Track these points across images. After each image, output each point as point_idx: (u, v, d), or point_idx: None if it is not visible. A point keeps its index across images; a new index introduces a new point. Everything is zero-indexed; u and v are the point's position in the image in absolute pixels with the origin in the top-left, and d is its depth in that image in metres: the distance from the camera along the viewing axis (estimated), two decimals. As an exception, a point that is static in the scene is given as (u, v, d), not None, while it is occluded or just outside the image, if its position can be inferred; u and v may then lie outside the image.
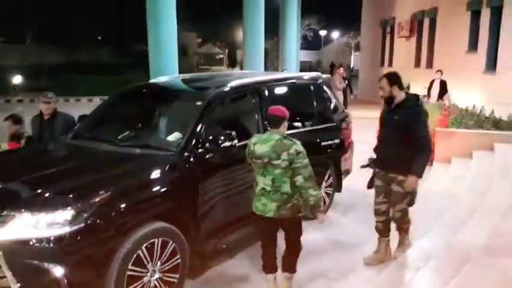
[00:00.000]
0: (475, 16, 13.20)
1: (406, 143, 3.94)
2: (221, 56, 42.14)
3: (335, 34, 50.63)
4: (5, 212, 3.07)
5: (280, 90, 5.08)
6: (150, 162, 3.71)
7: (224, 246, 4.14)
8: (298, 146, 3.54)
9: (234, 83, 4.49)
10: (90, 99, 19.35)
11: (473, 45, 13.29)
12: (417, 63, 17.36)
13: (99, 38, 35.48)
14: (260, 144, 3.61)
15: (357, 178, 5.66)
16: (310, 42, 50.35)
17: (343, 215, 5.91)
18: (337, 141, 5.59)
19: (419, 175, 3.99)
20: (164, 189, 3.57)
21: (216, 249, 4.05)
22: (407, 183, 3.98)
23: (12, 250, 3.01)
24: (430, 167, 7.76)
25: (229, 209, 4.16)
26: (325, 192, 5.67)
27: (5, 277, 2.99)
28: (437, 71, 12.29)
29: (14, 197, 3.25)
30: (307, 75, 5.99)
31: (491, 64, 12.09)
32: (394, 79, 4.06)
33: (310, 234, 5.12)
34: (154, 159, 3.75)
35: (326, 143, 5.42)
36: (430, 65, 15.98)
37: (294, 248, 3.79)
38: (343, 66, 13.51)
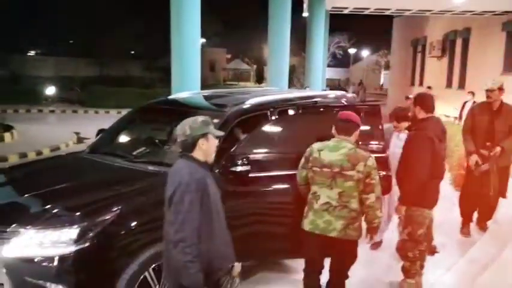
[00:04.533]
0: (511, 36, 12.79)
1: (404, 165, 3.85)
2: (249, 71, 42.38)
3: (365, 52, 50.25)
4: (12, 227, 3.00)
5: (307, 109, 4.86)
6: (162, 180, 3.60)
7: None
8: (374, 159, 3.23)
9: (252, 101, 4.36)
10: (119, 111, 19.69)
11: (509, 67, 12.85)
12: (449, 84, 16.95)
13: (132, 52, 36.23)
14: (328, 151, 3.25)
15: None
16: (339, 60, 50.15)
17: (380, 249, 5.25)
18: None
19: (402, 202, 3.82)
20: (175, 208, 3.45)
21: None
22: (398, 209, 3.90)
23: (16, 267, 2.94)
24: None
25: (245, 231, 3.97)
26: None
27: (8, 295, 2.92)
28: (469, 92, 11.87)
29: (22, 212, 3.18)
30: (332, 93, 5.81)
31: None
32: (417, 100, 3.95)
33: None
34: (166, 176, 3.63)
35: None
36: (462, 85, 15.56)
37: (344, 277, 3.42)
38: (362, 85, 13.02)
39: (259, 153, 3.90)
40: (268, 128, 4.24)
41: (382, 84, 47.17)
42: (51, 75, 27.35)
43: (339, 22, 29.76)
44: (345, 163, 3.19)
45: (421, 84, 19.55)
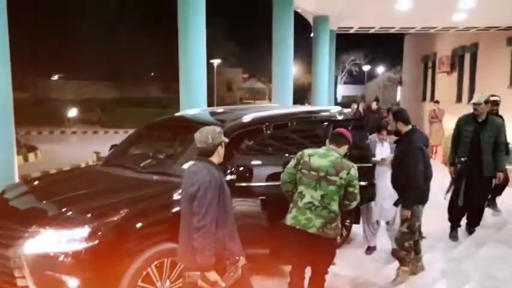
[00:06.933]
0: (515, 51, 13.01)
1: (402, 174, 4.32)
2: (264, 90, 43.08)
3: (380, 69, 50.45)
4: (33, 228, 3.46)
5: (300, 123, 5.28)
6: (165, 188, 4.04)
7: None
8: (356, 170, 3.62)
9: (249, 116, 4.78)
10: (137, 131, 20.34)
11: (515, 81, 13.05)
12: (459, 98, 17.12)
13: (152, 74, 37.25)
14: (318, 157, 3.66)
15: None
16: (355, 77, 50.55)
17: (361, 248, 5.73)
18: (364, 183, 4.85)
19: (407, 207, 4.28)
20: (175, 212, 3.83)
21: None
22: (402, 212, 4.32)
23: (36, 262, 3.37)
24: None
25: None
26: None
27: (28, 287, 3.36)
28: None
29: (42, 215, 3.64)
30: (328, 109, 6.21)
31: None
32: (397, 115, 4.46)
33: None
34: (169, 185, 4.06)
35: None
36: (471, 100, 15.71)
37: (323, 273, 3.73)
38: (377, 101, 13.39)
39: (250, 165, 4.27)
40: (261, 140, 4.67)
41: (398, 101, 47.09)
42: (73, 97, 28.45)
43: (353, 40, 30.28)
44: (330, 169, 3.59)
45: (432, 99, 19.71)
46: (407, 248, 4.38)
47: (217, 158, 3.21)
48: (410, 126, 4.42)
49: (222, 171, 3.26)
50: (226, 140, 3.31)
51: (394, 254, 5.20)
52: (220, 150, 3.22)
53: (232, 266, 3.11)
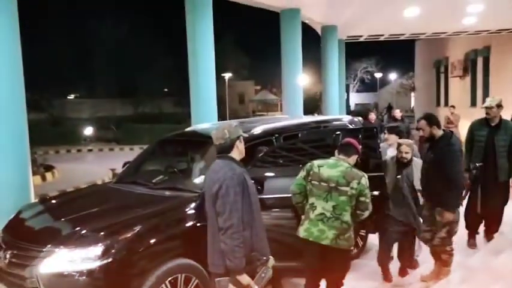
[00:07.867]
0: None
1: (442, 177, 4.24)
2: (276, 101, 43.12)
3: (392, 76, 50.17)
4: (47, 247, 3.51)
5: (310, 134, 5.30)
6: (176, 203, 4.06)
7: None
8: (367, 179, 3.59)
9: (259, 129, 4.80)
10: (152, 147, 20.40)
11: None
12: (473, 103, 16.93)
13: (165, 90, 37.69)
14: (327, 167, 3.63)
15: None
16: (367, 85, 50.40)
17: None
18: (377, 193, 4.68)
19: (452, 209, 4.25)
20: (187, 227, 3.87)
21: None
22: (444, 215, 4.26)
23: (51, 282, 3.40)
24: None
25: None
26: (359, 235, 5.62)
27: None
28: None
29: (56, 234, 3.69)
30: (339, 118, 6.20)
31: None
32: (432, 120, 4.43)
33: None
34: (180, 200, 4.09)
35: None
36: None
37: (338, 285, 3.68)
38: (391, 108, 13.18)
39: (261, 177, 4.24)
40: (272, 151, 4.67)
41: (413, 107, 46.75)
42: (89, 116, 28.91)
43: (364, 48, 30.28)
44: (340, 179, 3.57)
45: (446, 104, 19.52)
46: (450, 251, 4.43)
47: (237, 153, 3.12)
48: (441, 131, 4.45)
49: (243, 167, 3.13)
50: (245, 134, 3.26)
51: (412, 264, 5.15)
52: (240, 145, 3.13)
53: (262, 267, 3.03)
